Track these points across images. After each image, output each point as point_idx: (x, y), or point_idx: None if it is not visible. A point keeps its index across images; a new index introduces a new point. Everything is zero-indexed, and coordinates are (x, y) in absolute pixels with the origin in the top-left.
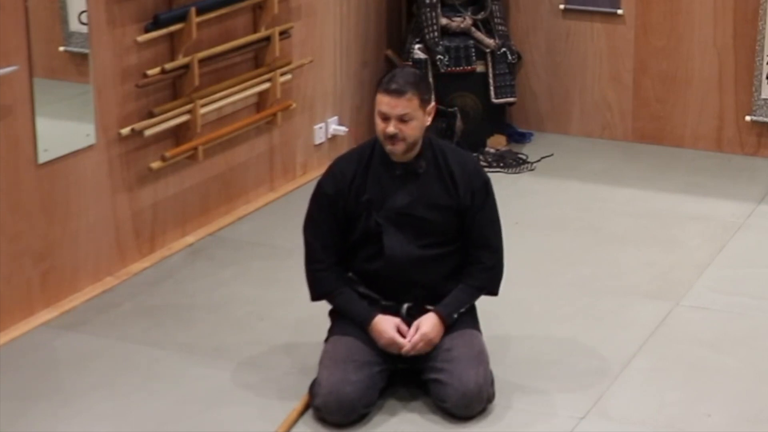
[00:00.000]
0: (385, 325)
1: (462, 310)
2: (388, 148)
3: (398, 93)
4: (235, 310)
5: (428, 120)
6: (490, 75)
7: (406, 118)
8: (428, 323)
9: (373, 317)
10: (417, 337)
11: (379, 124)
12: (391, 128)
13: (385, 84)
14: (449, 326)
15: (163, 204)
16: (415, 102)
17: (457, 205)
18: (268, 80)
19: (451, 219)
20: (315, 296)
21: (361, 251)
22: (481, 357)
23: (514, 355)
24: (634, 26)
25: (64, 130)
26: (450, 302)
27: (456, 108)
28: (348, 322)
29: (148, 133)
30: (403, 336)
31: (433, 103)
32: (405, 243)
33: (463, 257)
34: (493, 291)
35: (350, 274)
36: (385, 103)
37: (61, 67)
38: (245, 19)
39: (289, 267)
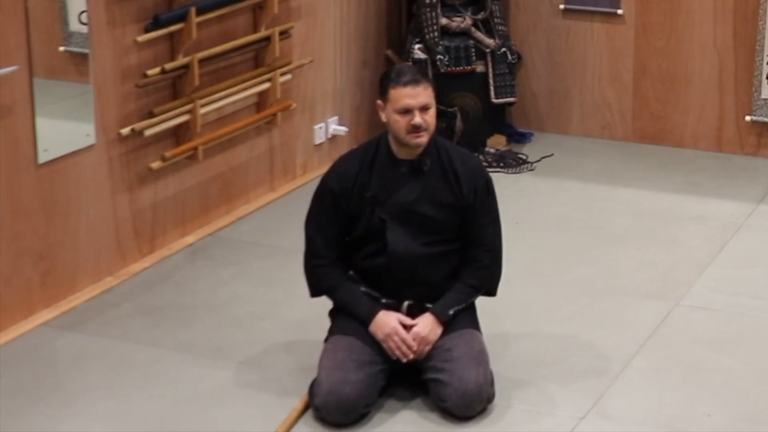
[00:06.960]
0: (389, 317)
1: (458, 307)
2: (415, 141)
3: (416, 82)
4: (235, 310)
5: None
6: (490, 75)
7: (428, 107)
8: (421, 322)
9: (376, 312)
10: (409, 337)
11: (401, 120)
12: (418, 118)
13: (397, 78)
14: (446, 324)
15: (163, 204)
16: (430, 90)
17: (460, 203)
18: (268, 80)
19: (454, 217)
20: (315, 292)
21: (363, 248)
22: (481, 357)
23: (514, 355)
24: (634, 26)
25: (64, 130)
26: (445, 301)
27: (456, 108)
28: (348, 322)
29: (148, 133)
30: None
31: None
32: (408, 240)
33: (462, 256)
34: (490, 291)
35: (351, 272)
36: (406, 95)
37: (61, 67)
38: (245, 19)
39: (289, 267)
